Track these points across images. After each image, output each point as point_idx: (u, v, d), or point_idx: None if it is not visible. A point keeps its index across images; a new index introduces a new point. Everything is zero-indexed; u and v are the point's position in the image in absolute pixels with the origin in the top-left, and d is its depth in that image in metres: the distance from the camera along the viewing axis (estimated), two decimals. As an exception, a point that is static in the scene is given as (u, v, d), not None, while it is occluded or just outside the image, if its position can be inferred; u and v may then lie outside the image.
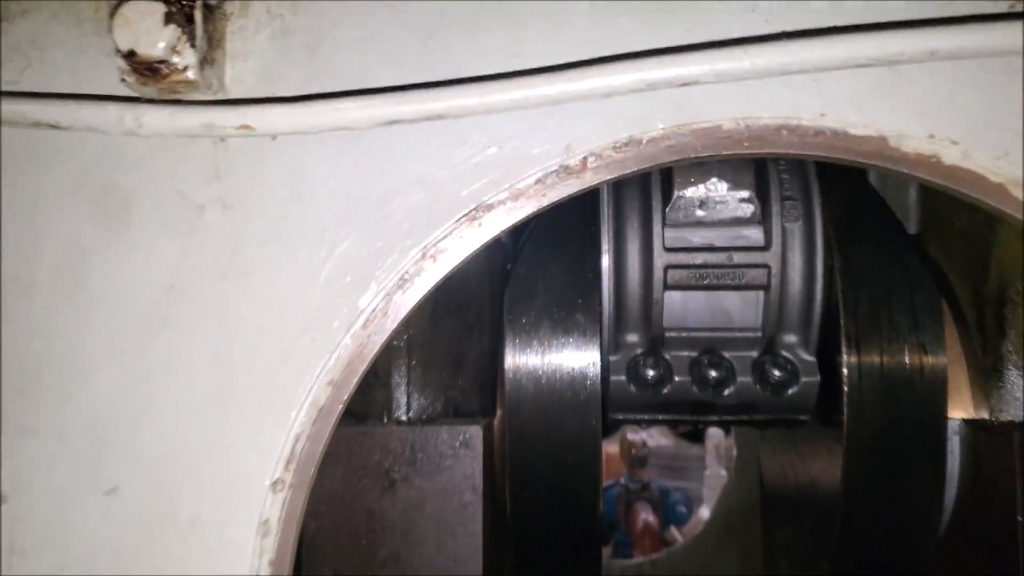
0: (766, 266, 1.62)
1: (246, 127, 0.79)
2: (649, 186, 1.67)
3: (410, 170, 0.82)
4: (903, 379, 1.57)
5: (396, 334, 1.40)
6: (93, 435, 0.81)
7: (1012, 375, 1.53)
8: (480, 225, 0.81)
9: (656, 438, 5.64)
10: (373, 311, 0.82)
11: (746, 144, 0.79)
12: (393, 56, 0.82)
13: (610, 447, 5.26)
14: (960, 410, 1.61)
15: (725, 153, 0.80)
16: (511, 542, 1.70)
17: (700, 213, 1.67)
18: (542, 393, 1.66)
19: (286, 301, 0.82)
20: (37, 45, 0.84)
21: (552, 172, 0.82)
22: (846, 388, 1.57)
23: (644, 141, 0.81)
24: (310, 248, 0.82)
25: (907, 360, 1.57)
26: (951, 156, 0.78)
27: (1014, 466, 1.44)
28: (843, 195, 1.73)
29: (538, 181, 0.82)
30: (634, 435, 4.46)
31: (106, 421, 0.81)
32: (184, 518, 0.80)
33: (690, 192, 1.66)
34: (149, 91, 0.82)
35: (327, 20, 0.84)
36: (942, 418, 1.55)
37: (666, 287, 1.65)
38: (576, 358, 1.66)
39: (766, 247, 1.62)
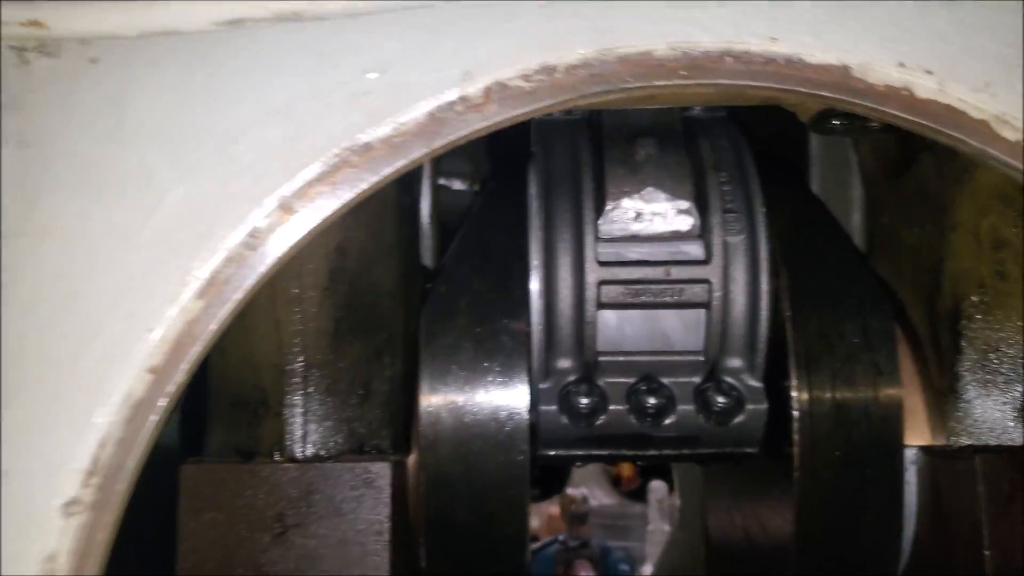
0: (706, 281, 1.48)
1: (36, 24, 0.61)
2: (581, 196, 1.53)
3: (265, 99, 0.65)
4: (857, 402, 1.43)
5: (284, 344, 1.19)
6: None
7: (970, 395, 1.41)
8: (356, 170, 0.64)
9: (599, 497, 5.47)
10: (211, 278, 0.63)
11: (683, 74, 0.65)
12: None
13: (551, 507, 5.04)
14: (917, 436, 1.48)
15: (659, 84, 0.65)
16: (425, 600, 1.48)
17: (636, 226, 1.53)
18: (462, 426, 1.47)
19: (97, 265, 0.62)
20: None
21: (448, 104, 0.65)
22: (796, 414, 1.42)
23: (561, 69, 0.65)
24: (132, 198, 0.64)
25: (861, 382, 1.44)
26: (925, 88, 0.65)
27: (977, 495, 1.30)
28: (789, 208, 1.62)
29: (430, 116, 0.65)
30: (574, 491, 4.26)
31: None
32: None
33: (625, 203, 1.52)
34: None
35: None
36: (899, 444, 1.41)
37: (600, 305, 1.50)
38: (501, 386, 1.48)
39: (706, 261, 1.48)
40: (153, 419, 0.61)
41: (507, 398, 1.47)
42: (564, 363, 1.54)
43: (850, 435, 1.44)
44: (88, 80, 0.65)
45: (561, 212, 1.53)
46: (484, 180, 1.86)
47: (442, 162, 2.18)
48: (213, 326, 0.62)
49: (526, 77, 0.65)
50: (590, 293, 1.49)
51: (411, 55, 0.66)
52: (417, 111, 0.65)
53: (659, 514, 3.96)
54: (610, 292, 1.49)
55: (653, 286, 1.50)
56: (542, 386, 1.52)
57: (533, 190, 1.57)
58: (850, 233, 1.83)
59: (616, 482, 5.45)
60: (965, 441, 1.41)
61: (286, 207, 0.64)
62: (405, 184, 1.53)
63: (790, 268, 1.53)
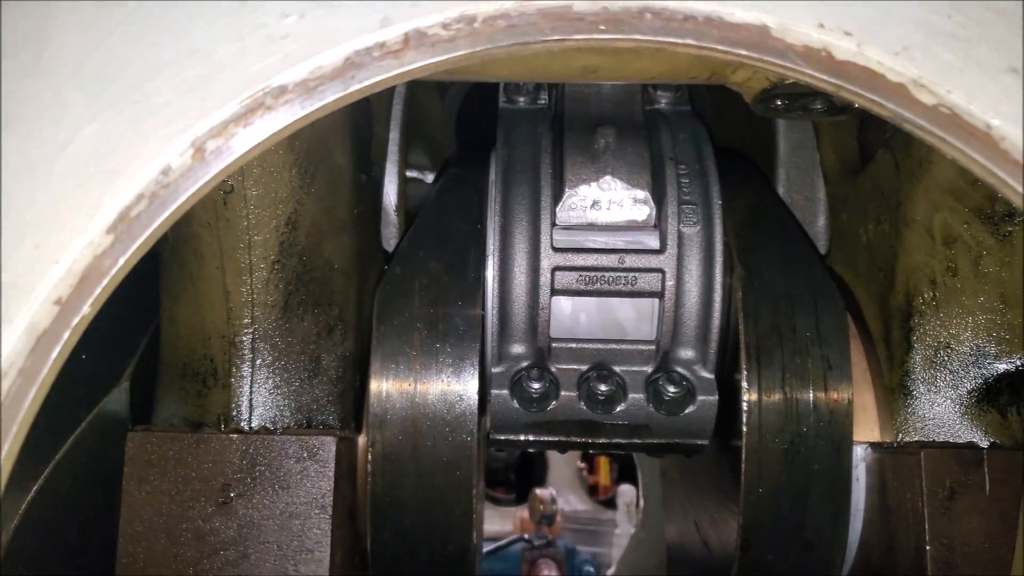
0: (660, 271, 1.48)
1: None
2: (540, 183, 1.53)
3: (183, 40, 0.65)
4: (806, 398, 1.43)
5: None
6: None
7: (919, 391, 1.41)
8: (270, 112, 0.64)
9: (573, 503, 5.46)
10: (121, 214, 0.62)
11: (602, 28, 0.65)
12: None
13: (522, 511, 5.02)
14: (867, 433, 1.48)
15: (577, 38, 0.65)
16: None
17: (592, 214, 1.54)
18: (412, 406, 1.47)
19: (6, 196, 0.62)
20: None
21: (365, 50, 0.65)
22: (744, 406, 1.42)
23: (479, 19, 0.66)
24: (46, 132, 0.63)
25: (810, 377, 1.44)
26: (843, 50, 0.65)
27: (920, 490, 1.30)
28: (746, 201, 1.63)
29: (347, 60, 0.65)
30: (542, 491, 4.24)
31: None
32: None
33: (582, 190, 1.53)
34: None
35: None
36: (848, 441, 1.42)
37: (554, 292, 1.50)
38: (452, 368, 1.47)
39: (660, 250, 1.48)
40: (57, 350, 0.60)
41: (457, 380, 1.46)
42: (517, 348, 1.53)
43: (798, 429, 1.44)
44: (8, 15, 0.65)
45: (519, 198, 1.53)
46: (444, 165, 1.86)
47: (412, 155, 2.19)
48: (122, 261, 0.62)
49: (445, 26, 0.65)
50: (544, 279, 1.49)
51: (331, 1, 0.66)
52: (334, 55, 0.65)
53: (627, 518, 3.95)
54: (564, 279, 1.49)
55: (607, 274, 1.50)
56: (495, 370, 1.52)
57: (493, 176, 1.57)
58: (816, 235, 1.85)
59: (593, 490, 5.43)
60: (913, 437, 1.41)
61: (199, 146, 0.63)
62: (362, 162, 1.53)
63: (744, 261, 1.53)
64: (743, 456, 1.43)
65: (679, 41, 0.65)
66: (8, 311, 0.60)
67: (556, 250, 1.49)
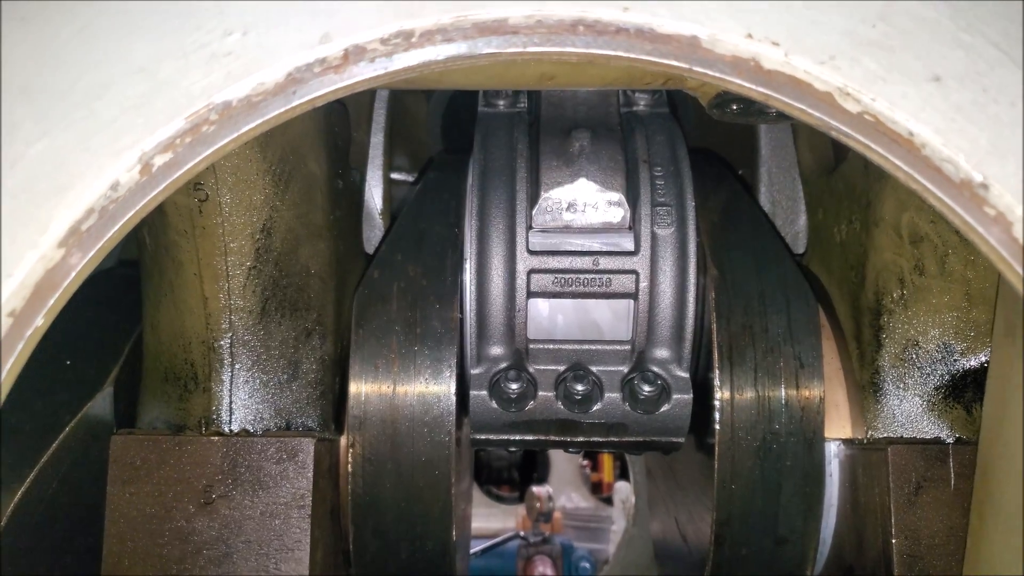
0: (634, 272, 1.50)
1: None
2: (515, 186, 1.55)
3: (131, 57, 0.67)
4: (778, 396, 1.45)
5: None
6: None
7: (888, 388, 1.43)
8: (215, 127, 0.66)
9: (575, 500, 5.47)
10: (72, 228, 0.65)
11: (537, 41, 0.67)
12: None
13: (521, 508, 5.04)
14: (839, 430, 1.50)
15: (511, 51, 0.67)
16: None
17: (568, 216, 1.56)
18: (391, 408, 1.49)
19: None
20: None
21: (306, 66, 0.68)
22: (717, 404, 1.44)
23: (416, 34, 0.68)
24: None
25: (782, 375, 1.46)
26: (771, 59, 0.67)
27: (887, 485, 1.32)
28: (719, 203, 1.65)
29: (288, 76, 0.67)
30: (539, 489, 4.27)
31: None
32: None
33: (557, 193, 1.55)
34: None
35: None
36: (819, 437, 1.43)
37: (530, 294, 1.52)
38: (430, 370, 1.49)
39: (634, 252, 1.50)
40: (11, 361, 0.63)
41: (435, 382, 1.49)
42: (496, 350, 1.56)
43: (770, 426, 1.45)
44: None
45: (496, 202, 1.55)
46: (422, 169, 1.88)
47: (397, 157, 2.21)
48: (73, 274, 0.64)
49: (383, 41, 0.67)
50: (520, 281, 1.51)
51: (272, 18, 0.68)
52: (276, 71, 0.67)
53: (623, 515, 3.97)
54: (540, 281, 1.52)
55: (582, 276, 1.52)
56: (474, 372, 1.54)
57: (471, 180, 1.60)
58: (797, 234, 1.86)
59: (596, 488, 5.44)
60: (882, 434, 1.43)
61: (146, 162, 0.66)
62: (337, 168, 1.55)
63: (717, 261, 1.55)
64: (716, 453, 1.45)
65: (611, 53, 0.67)
66: (-36, 323, 0.62)
67: (532, 253, 1.52)
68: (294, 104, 0.67)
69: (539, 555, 3.71)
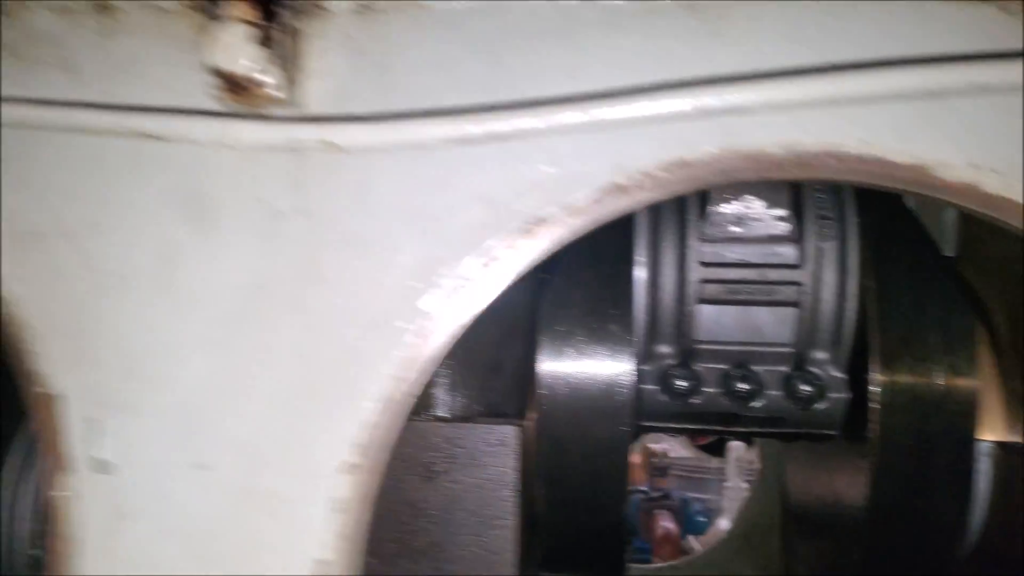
0: (798, 284, 1.65)
1: (326, 142, 0.85)
2: (685, 201, 1.71)
3: (471, 186, 0.88)
4: (932, 399, 1.58)
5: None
6: (187, 416, 0.88)
7: (1042, 399, 1.55)
8: (534, 237, 0.86)
9: (677, 449, 5.64)
10: (433, 313, 0.87)
11: (791, 169, 0.83)
12: (459, 78, 0.88)
13: (633, 457, 5.26)
14: (993, 433, 1.63)
15: (770, 176, 0.84)
16: (541, 539, 1.75)
17: (735, 229, 1.71)
18: (575, 399, 1.71)
19: (356, 302, 0.88)
20: (138, 61, 0.91)
21: (603, 189, 0.86)
22: (875, 406, 1.59)
23: (693, 163, 0.85)
24: (377, 255, 0.88)
25: (937, 380, 1.59)
26: (992, 185, 0.82)
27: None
28: (879, 216, 1.75)
29: (589, 198, 0.87)
30: (655, 445, 4.48)
31: (198, 404, 0.88)
32: (266, 493, 0.87)
33: (725, 208, 1.70)
34: (236, 106, 0.88)
35: (398, 43, 0.90)
36: (971, 438, 1.57)
37: (699, 301, 1.69)
38: (609, 366, 1.70)
39: (799, 265, 1.65)
40: (400, 411, 0.86)
41: (614, 377, 1.69)
42: (665, 349, 1.74)
43: (924, 425, 1.59)
44: (347, 171, 0.89)
45: (667, 215, 1.72)
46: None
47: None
48: (436, 348, 0.86)
49: (665, 169, 0.85)
50: (691, 290, 1.68)
51: (578, 152, 0.87)
52: (578, 194, 0.86)
53: (736, 472, 4.14)
54: (709, 290, 1.69)
55: (749, 286, 1.68)
56: (645, 368, 1.74)
57: (644, 194, 1.76)
58: (943, 232, 1.95)
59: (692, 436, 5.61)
60: (1032, 439, 1.56)
61: (484, 263, 0.87)
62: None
63: (877, 272, 1.67)
64: (872, 451, 1.59)
65: (853, 179, 0.83)
66: (365, 385, 0.86)
67: (703, 264, 1.68)
68: (593, 219, 0.86)
69: (660, 509, 3.94)
